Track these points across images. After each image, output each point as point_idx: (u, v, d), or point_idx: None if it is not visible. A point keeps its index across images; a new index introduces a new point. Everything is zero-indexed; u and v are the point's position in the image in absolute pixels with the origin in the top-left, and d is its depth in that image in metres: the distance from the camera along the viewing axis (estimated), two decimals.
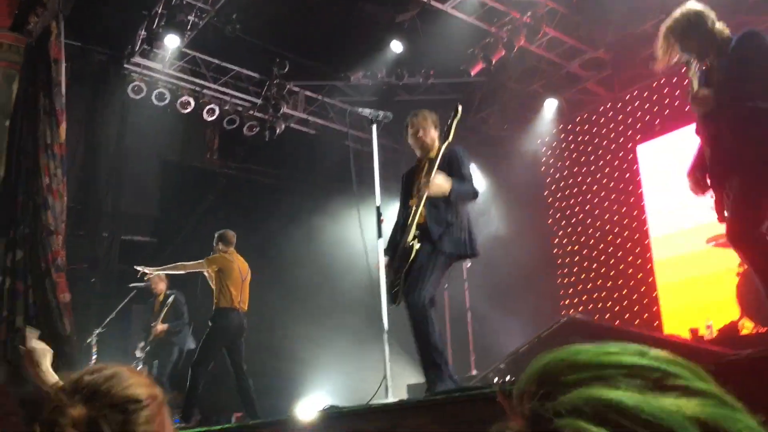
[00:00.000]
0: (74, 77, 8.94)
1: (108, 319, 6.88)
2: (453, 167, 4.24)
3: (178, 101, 9.67)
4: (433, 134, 4.40)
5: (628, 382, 0.50)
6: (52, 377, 2.34)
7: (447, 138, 4.20)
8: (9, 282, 8.13)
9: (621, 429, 0.46)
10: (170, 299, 7.49)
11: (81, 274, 7.00)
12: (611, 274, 9.43)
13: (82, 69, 9.59)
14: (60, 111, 8.31)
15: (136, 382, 1.20)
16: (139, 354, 7.69)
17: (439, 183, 4.08)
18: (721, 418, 0.48)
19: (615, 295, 9.28)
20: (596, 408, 0.48)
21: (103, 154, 10.09)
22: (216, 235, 6.92)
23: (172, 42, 9.10)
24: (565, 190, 10.37)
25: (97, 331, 6.82)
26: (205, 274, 6.83)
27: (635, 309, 8.99)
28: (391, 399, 3.98)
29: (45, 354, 1.88)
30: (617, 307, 9.19)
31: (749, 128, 3.38)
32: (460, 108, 4.22)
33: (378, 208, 4.47)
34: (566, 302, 9.92)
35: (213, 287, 6.68)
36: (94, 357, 6.68)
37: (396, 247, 4.30)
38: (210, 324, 6.54)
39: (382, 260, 4.33)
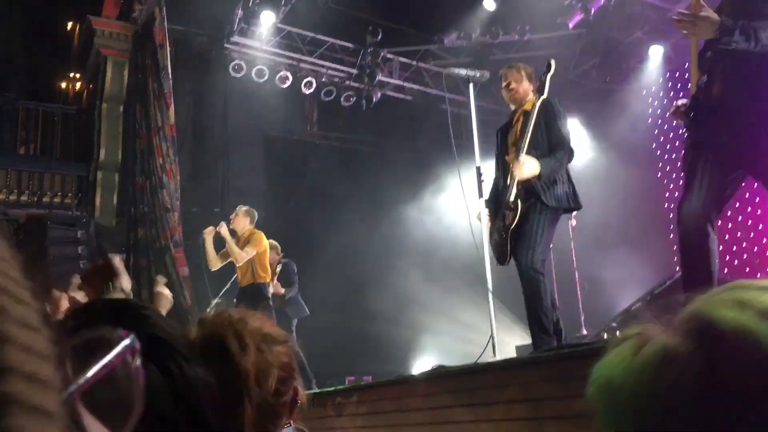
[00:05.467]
0: (178, 60, 9.32)
1: (224, 290, 7.19)
2: (549, 119, 4.14)
3: (277, 77, 9.88)
4: (527, 86, 4.28)
5: None
6: None
7: (542, 93, 4.12)
8: (133, 258, 8.70)
9: None
10: (278, 267, 7.60)
11: (197, 248, 7.34)
12: (728, 226, 8.95)
13: (185, 52, 9.99)
14: (168, 94, 8.71)
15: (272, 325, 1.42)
16: None
17: (528, 168, 3.96)
18: None
19: (733, 248, 8.81)
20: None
21: (210, 133, 10.50)
22: (255, 213, 6.88)
23: (267, 19, 9.31)
24: (674, 141, 9.88)
25: (215, 302, 7.13)
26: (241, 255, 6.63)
27: (756, 262, 8.51)
28: (499, 358, 3.98)
29: (166, 303, 2.04)
30: (735, 261, 8.73)
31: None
32: (553, 62, 4.14)
33: (478, 169, 4.43)
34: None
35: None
36: None
37: (497, 203, 4.26)
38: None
39: (485, 218, 4.29)
